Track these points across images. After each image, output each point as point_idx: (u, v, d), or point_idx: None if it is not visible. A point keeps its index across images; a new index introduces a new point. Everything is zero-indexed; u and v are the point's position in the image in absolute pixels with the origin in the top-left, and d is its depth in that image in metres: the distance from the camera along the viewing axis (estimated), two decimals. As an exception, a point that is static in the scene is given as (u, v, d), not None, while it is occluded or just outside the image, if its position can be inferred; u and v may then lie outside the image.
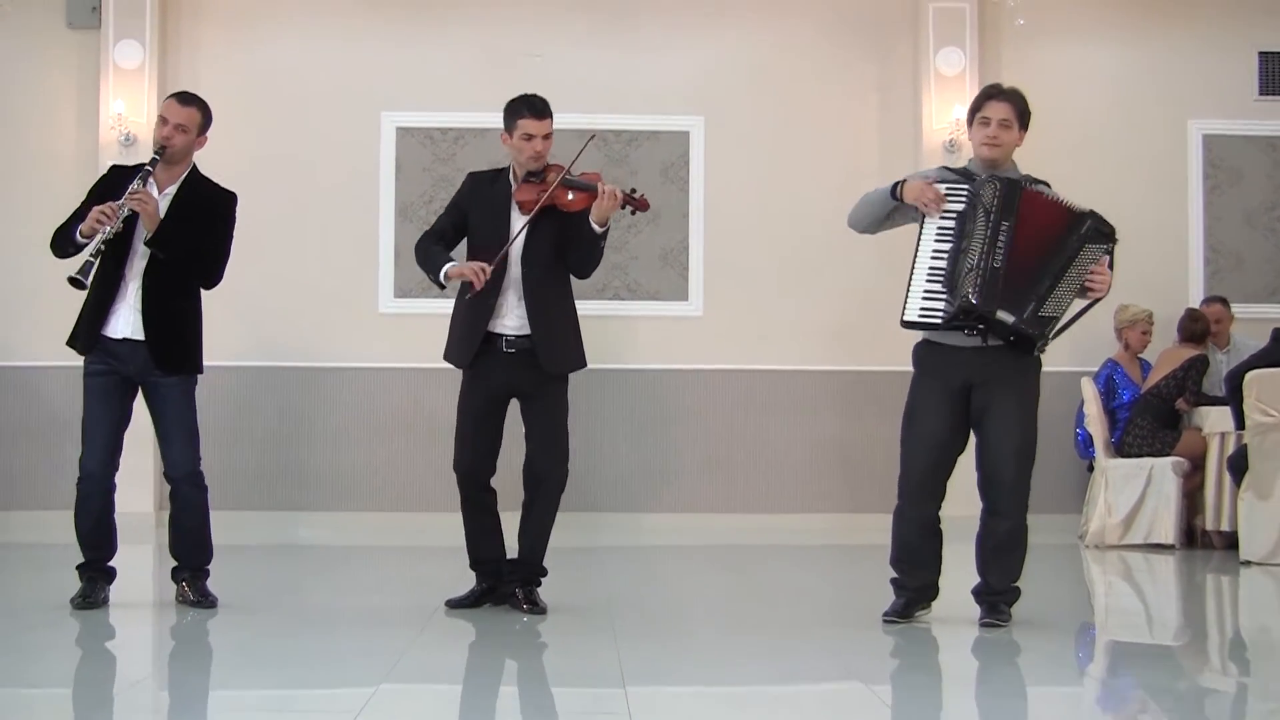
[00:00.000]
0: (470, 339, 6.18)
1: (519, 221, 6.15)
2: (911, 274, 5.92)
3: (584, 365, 6.35)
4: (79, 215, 6.08)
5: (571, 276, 6.29)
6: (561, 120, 9.88)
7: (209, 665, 5.43)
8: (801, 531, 9.61)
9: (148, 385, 6.17)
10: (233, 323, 9.52)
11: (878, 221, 6.11)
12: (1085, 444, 9.74)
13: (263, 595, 7.01)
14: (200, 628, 5.97)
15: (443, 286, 6.24)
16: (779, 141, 10.13)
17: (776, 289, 10.05)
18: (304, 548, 9.20)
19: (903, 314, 5.93)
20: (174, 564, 6.36)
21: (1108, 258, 5.87)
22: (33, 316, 9.45)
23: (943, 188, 5.93)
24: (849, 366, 9.98)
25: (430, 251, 6.25)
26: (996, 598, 6.01)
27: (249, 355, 9.79)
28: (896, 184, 6.00)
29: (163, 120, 6.19)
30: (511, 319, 6.16)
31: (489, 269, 6.00)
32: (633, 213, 6.17)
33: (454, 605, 6.30)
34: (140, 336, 6.09)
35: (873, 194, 6.11)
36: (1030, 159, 6.25)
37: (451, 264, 6.14)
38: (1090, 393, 9.58)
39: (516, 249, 6.14)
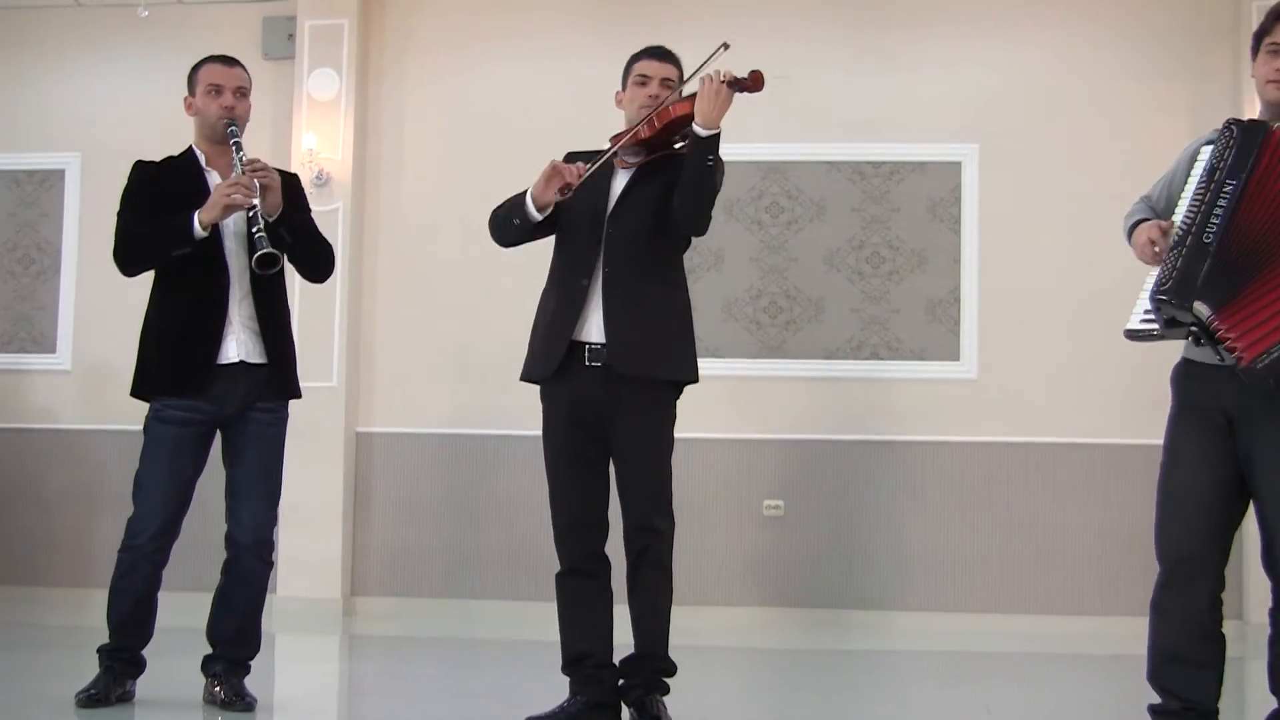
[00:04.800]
0: (552, 347, 4.84)
1: (620, 180, 4.90)
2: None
3: (686, 378, 4.90)
4: (143, 228, 5.02)
5: (683, 280, 4.99)
6: (813, 151, 8.90)
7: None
8: (1092, 637, 7.84)
9: (240, 424, 5.05)
10: (413, 382, 8.64)
11: None
12: None
13: (323, 697, 5.88)
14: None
15: (539, 217, 4.88)
16: (1068, 174, 8.51)
17: (1066, 348, 8.39)
18: (445, 640, 7.64)
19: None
20: (209, 651, 5.16)
21: None
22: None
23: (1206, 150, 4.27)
24: (1153, 440, 8.21)
25: (501, 205, 5.00)
26: (1302, 733, 4.31)
27: (426, 421, 8.65)
28: (1133, 225, 4.45)
29: (215, 90, 5.08)
30: (597, 320, 4.79)
31: (583, 166, 4.78)
32: (744, 90, 4.70)
33: None
34: (257, 360, 5.00)
35: (1128, 227, 4.54)
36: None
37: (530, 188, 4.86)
38: None
39: (610, 203, 4.86)
